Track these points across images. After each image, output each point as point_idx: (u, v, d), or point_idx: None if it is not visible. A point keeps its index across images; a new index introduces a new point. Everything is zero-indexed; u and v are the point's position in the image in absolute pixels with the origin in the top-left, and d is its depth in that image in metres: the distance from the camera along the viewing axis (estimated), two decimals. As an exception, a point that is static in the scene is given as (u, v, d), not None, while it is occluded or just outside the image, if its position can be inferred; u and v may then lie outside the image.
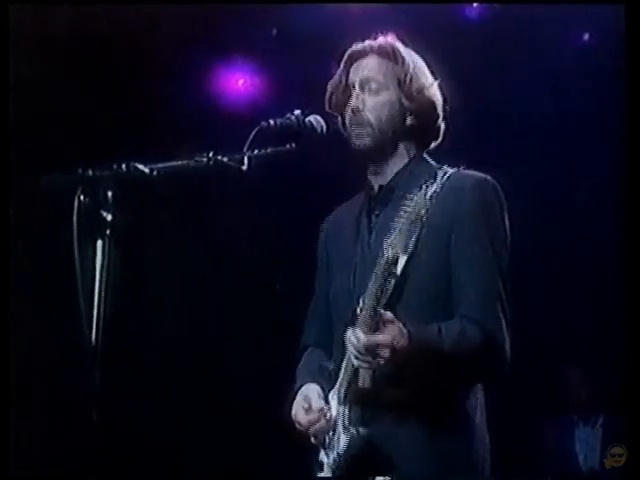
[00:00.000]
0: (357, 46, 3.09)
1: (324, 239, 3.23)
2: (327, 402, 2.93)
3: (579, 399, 6.79)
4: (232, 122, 5.88)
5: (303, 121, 2.97)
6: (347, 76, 3.08)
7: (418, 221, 2.67)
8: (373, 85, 3.02)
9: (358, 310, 2.76)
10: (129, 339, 5.88)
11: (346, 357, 2.81)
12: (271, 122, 2.90)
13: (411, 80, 3.01)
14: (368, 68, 3.04)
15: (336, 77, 3.12)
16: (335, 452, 2.85)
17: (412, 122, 3.02)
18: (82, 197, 2.44)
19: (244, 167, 2.79)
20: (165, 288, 6.70)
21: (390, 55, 3.04)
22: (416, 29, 6.25)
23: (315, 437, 2.93)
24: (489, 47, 6.32)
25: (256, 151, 2.83)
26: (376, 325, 2.67)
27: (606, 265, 6.30)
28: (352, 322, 2.76)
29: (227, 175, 2.80)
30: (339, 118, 3.08)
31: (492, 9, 6.39)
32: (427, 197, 2.68)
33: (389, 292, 2.74)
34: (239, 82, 7.02)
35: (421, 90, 3.02)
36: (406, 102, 3.00)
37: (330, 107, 3.10)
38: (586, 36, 6.57)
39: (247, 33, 6.46)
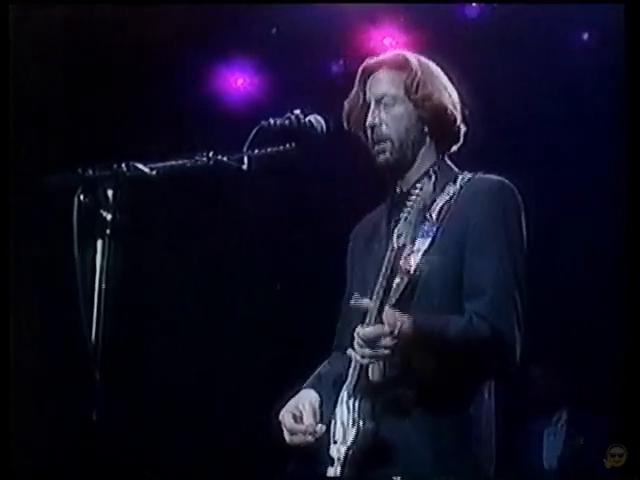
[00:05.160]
0: (369, 61, 3.12)
1: (351, 249, 3.26)
2: (320, 415, 2.95)
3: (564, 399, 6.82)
4: (232, 122, 5.88)
5: (303, 121, 2.98)
6: (363, 93, 3.12)
7: (424, 210, 2.70)
8: (387, 99, 3.05)
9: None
10: (129, 339, 5.88)
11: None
12: (271, 122, 2.90)
13: (418, 87, 3.04)
14: (381, 83, 3.08)
15: (352, 95, 3.15)
16: (345, 446, 2.85)
17: (428, 129, 3.06)
18: (82, 197, 2.45)
19: (244, 167, 2.79)
20: (165, 288, 6.70)
21: (400, 66, 3.08)
22: (416, 29, 6.32)
23: (295, 444, 2.93)
24: (488, 47, 6.32)
25: (256, 151, 2.83)
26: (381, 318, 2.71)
27: (605, 263, 6.31)
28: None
29: (227, 175, 2.80)
30: (361, 135, 3.10)
31: (491, 9, 6.39)
32: (433, 188, 2.73)
33: (401, 289, 2.78)
34: (239, 82, 7.01)
35: (430, 96, 3.04)
36: (419, 111, 3.04)
37: (349, 125, 3.13)
38: (586, 35, 6.56)
39: (247, 32, 6.46)
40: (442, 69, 3.14)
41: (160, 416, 6.52)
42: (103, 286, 2.40)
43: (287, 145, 2.93)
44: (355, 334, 2.71)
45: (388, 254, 2.74)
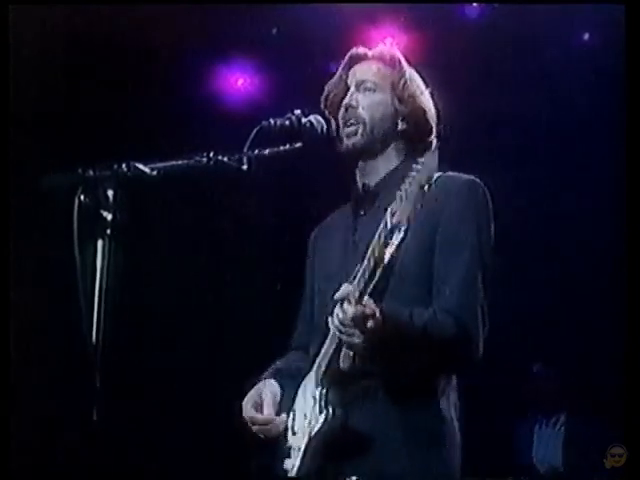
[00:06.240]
0: (358, 50, 3.14)
1: (312, 247, 3.26)
2: (280, 408, 2.98)
3: (545, 398, 6.83)
4: (232, 122, 5.88)
5: (303, 121, 2.98)
6: (345, 78, 3.13)
7: (421, 191, 2.58)
8: (369, 84, 3.07)
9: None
10: (129, 339, 5.87)
11: (328, 339, 2.82)
12: (271, 122, 2.91)
13: (404, 85, 3.07)
14: (366, 71, 3.10)
15: (334, 78, 3.16)
16: (308, 436, 2.84)
17: (403, 127, 3.06)
18: (82, 197, 2.45)
19: (244, 167, 2.80)
20: (165, 288, 6.70)
21: (388, 61, 3.10)
22: (416, 29, 6.32)
23: (256, 433, 2.98)
24: (489, 47, 6.32)
25: (256, 151, 2.83)
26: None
27: (605, 263, 6.31)
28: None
29: (227, 175, 2.80)
30: (333, 120, 3.09)
31: (492, 9, 6.39)
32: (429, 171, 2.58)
33: (375, 280, 2.72)
34: (239, 82, 7.02)
35: (413, 95, 3.06)
36: (398, 105, 3.05)
37: (325, 107, 3.13)
38: (586, 36, 6.57)
39: (247, 33, 6.46)
40: (424, 81, 3.15)
41: (160, 416, 6.52)
42: (103, 286, 2.40)
43: (287, 145, 2.94)
44: (337, 312, 2.67)
45: (380, 231, 2.61)
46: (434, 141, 3.11)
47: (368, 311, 2.64)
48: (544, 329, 6.71)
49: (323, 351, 2.86)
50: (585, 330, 6.61)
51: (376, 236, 2.63)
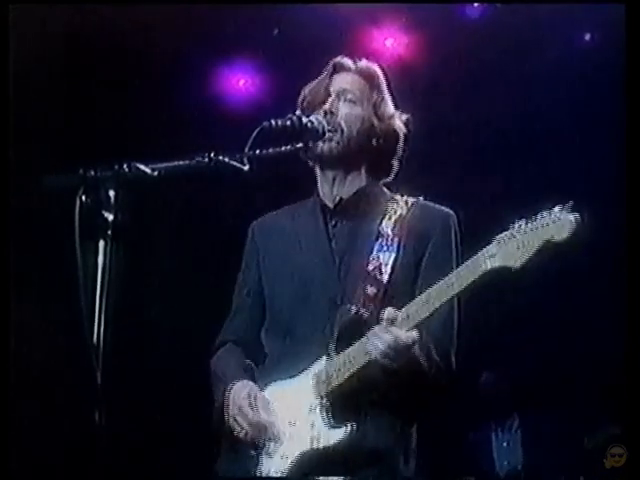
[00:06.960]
0: (342, 60, 3.19)
1: (255, 241, 3.34)
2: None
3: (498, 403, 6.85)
4: (233, 122, 5.88)
5: (304, 121, 2.99)
6: (327, 84, 3.16)
7: (545, 246, 2.79)
8: (350, 96, 3.11)
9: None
10: (131, 339, 5.87)
11: (345, 354, 2.86)
12: (273, 122, 2.92)
13: (384, 105, 3.14)
14: (348, 82, 3.14)
15: (314, 83, 3.20)
16: (309, 445, 2.88)
17: (377, 144, 3.11)
18: (84, 197, 2.44)
19: (245, 167, 2.80)
20: (166, 288, 6.69)
21: (370, 78, 3.16)
22: (417, 29, 6.32)
23: (246, 435, 3.04)
24: (489, 47, 6.32)
25: (257, 151, 2.84)
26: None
27: (605, 263, 6.31)
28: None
29: (228, 175, 2.80)
30: None
31: (493, 9, 6.39)
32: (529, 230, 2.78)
33: (379, 298, 2.91)
34: (240, 82, 7.02)
35: (391, 116, 3.14)
36: (376, 122, 3.10)
37: (302, 109, 3.14)
38: (586, 36, 6.57)
39: (248, 33, 6.46)
40: (396, 105, 3.21)
41: (162, 417, 6.52)
42: (105, 286, 2.39)
43: (289, 145, 2.95)
44: (384, 336, 2.74)
45: (472, 275, 2.72)
46: (395, 163, 3.18)
47: (414, 339, 2.76)
48: (541, 328, 6.71)
49: (334, 365, 2.90)
50: (585, 330, 6.61)
51: (468, 279, 2.70)
